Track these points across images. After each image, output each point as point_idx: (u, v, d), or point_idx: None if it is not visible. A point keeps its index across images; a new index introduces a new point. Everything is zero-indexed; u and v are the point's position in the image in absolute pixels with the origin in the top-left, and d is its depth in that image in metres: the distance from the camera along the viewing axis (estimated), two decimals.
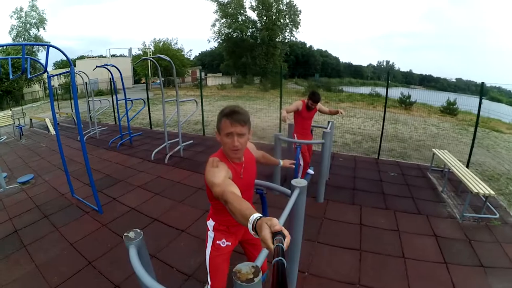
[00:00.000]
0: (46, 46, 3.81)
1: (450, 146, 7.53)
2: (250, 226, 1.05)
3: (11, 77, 3.88)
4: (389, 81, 6.76)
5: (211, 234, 1.90)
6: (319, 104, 4.48)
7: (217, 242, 1.87)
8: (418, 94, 17.02)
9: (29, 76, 4.11)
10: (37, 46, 31.55)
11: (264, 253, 1.32)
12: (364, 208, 4.09)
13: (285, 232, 0.94)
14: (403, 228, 3.55)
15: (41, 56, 30.51)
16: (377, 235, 3.41)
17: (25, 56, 3.64)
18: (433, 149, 5.47)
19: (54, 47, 3.76)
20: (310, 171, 5.07)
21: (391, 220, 3.75)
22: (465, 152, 6.31)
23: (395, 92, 16.88)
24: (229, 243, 1.87)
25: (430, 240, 3.33)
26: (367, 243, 3.24)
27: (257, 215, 1.07)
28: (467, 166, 5.59)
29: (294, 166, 2.48)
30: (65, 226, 3.82)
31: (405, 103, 16.20)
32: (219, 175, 1.49)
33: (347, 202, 4.29)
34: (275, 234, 0.92)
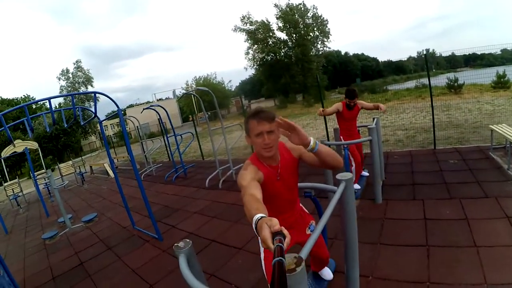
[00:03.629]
0: (93, 94, 4.21)
1: (509, 121, 6.86)
2: (253, 226, 1.06)
3: (65, 125, 4.29)
4: (434, 69, 6.39)
5: None
6: (360, 101, 4.36)
7: None
8: (466, 76, 15.91)
9: (81, 123, 4.54)
10: (87, 103, 33.75)
11: (309, 243, 1.28)
12: (426, 201, 3.80)
13: (285, 232, 0.93)
14: (471, 215, 3.23)
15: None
16: (444, 228, 3.12)
17: (75, 106, 4.04)
18: (491, 126, 5.02)
19: (100, 93, 4.16)
20: (365, 173, 4.89)
21: (458, 209, 3.43)
22: None
23: (442, 80, 15.92)
24: None
25: (502, 222, 2.99)
26: (434, 238, 2.98)
27: (259, 215, 1.07)
28: None
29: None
30: (127, 255, 4.05)
31: (454, 88, 15.26)
32: (246, 177, 1.54)
33: (408, 199, 4.01)
34: (275, 234, 0.92)
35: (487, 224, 3.03)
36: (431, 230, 3.14)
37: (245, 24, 38.29)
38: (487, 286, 2.21)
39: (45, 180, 9.58)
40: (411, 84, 22.23)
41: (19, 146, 9.52)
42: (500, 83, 13.22)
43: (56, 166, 14.13)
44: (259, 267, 1.92)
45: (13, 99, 37.62)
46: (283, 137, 1.67)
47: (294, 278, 0.97)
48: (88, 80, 36.30)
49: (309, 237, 1.33)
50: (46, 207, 7.80)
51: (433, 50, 76.80)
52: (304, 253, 1.19)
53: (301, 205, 2.06)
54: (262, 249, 1.88)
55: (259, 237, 1.84)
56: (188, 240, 1.50)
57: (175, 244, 1.48)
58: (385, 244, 3.07)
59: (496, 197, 3.53)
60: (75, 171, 13.02)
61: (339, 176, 1.94)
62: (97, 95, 4.36)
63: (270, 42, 38.65)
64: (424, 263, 2.63)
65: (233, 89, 50.07)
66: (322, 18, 38.59)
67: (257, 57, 39.82)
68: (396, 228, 3.33)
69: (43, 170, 11.47)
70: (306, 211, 2.13)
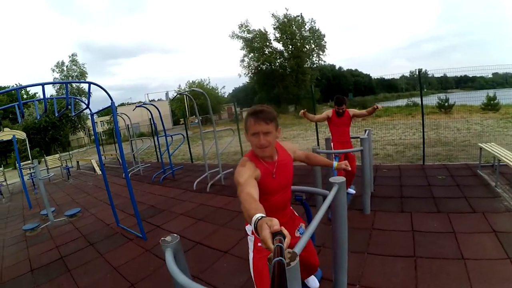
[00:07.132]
0: (87, 84, 4.15)
1: (497, 141, 6.97)
2: (252, 225, 1.04)
3: (56, 114, 4.21)
4: (425, 89, 6.49)
5: (251, 237, 1.84)
6: (353, 110, 4.40)
7: (259, 244, 1.78)
8: (457, 97, 16.23)
9: (72, 113, 4.45)
10: (79, 96, 33.53)
11: (303, 239, 1.25)
12: (414, 214, 3.81)
13: (285, 232, 0.93)
14: (459, 229, 3.25)
15: (83, 105, 32.31)
16: (431, 240, 3.13)
17: (69, 96, 3.97)
18: (480, 144, 5.11)
19: (95, 84, 4.11)
20: (351, 190, 4.81)
21: (445, 223, 3.45)
22: None
23: (433, 99, 16.21)
24: None
25: (489, 237, 3.02)
26: (422, 249, 2.98)
27: (259, 215, 1.05)
28: None
29: (350, 168, 2.27)
30: (109, 252, 3.95)
31: (444, 107, 15.51)
32: (244, 174, 1.52)
33: (396, 211, 4.01)
34: (275, 234, 0.92)
35: (474, 238, 3.04)
36: (419, 242, 3.14)
37: (242, 32, 38.36)
38: None
39: (30, 171, 9.37)
40: (402, 102, 22.57)
41: (7, 134, 9.31)
42: (489, 105, 13.49)
43: (43, 159, 13.84)
44: (244, 271, 1.88)
45: (4, 86, 36.78)
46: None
47: (289, 273, 0.94)
48: (82, 75, 35.67)
49: (299, 240, 1.30)
50: (29, 199, 7.63)
51: (426, 70, 77.93)
52: (298, 248, 1.16)
53: (291, 207, 2.03)
54: (251, 250, 1.84)
55: (248, 237, 1.82)
56: (175, 235, 1.46)
57: (162, 238, 1.43)
58: (372, 253, 3.05)
59: (483, 213, 3.57)
60: (62, 165, 12.80)
61: (332, 179, 1.92)
62: (89, 90, 4.30)
63: (266, 52, 38.63)
64: (412, 273, 2.62)
65: (226, 96, 50.06)
66: (319, 31, 38.98)
67: (252, 65, 39.72)
68: (384, 239, 3.32)
69: (29, 161, 11.22)
70: (296, 214, 2.10)
